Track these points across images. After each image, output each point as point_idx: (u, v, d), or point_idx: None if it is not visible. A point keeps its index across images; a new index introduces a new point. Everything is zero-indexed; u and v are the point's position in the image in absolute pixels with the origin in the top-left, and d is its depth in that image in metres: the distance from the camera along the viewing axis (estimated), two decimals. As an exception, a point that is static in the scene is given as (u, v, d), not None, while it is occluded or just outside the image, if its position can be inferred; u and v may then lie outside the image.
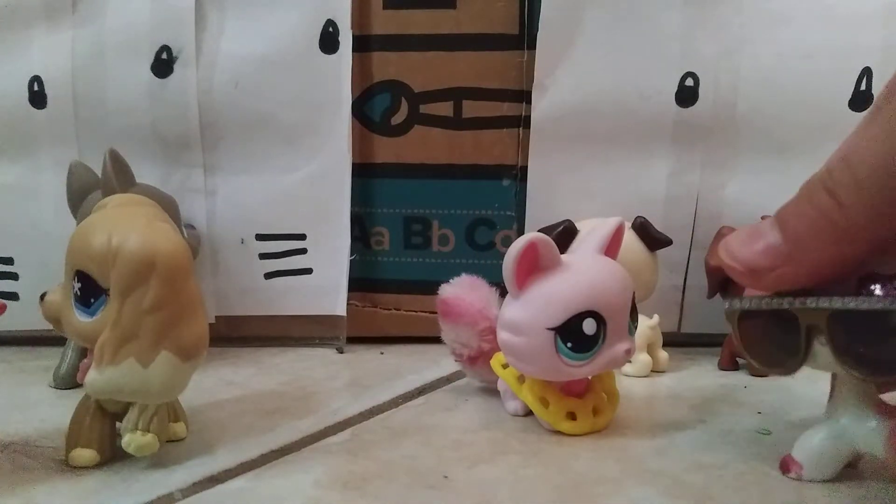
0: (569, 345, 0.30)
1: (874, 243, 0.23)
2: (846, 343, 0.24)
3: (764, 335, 0.27)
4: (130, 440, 0.28)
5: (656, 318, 0.42)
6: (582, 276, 0.31)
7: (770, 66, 0.43)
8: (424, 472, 0.29)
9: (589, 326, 0.30)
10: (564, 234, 0.39)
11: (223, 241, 0.46)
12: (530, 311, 0.31)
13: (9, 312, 0.35)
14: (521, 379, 0.34)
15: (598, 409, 0.33)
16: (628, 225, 0.40)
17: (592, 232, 0.33)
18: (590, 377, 0.34)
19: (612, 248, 0.33)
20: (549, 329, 0.30)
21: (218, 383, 0.40)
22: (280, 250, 0.46)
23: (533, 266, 0.31)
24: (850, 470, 0.29)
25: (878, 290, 0.23)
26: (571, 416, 0.33)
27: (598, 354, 0.31)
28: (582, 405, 0.33)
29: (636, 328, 0.33)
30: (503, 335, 0.32)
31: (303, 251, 0.46)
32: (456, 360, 0.38)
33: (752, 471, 0.29)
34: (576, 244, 0.35)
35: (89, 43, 0.44)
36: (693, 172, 0.44)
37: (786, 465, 0.28)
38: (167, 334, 0.26)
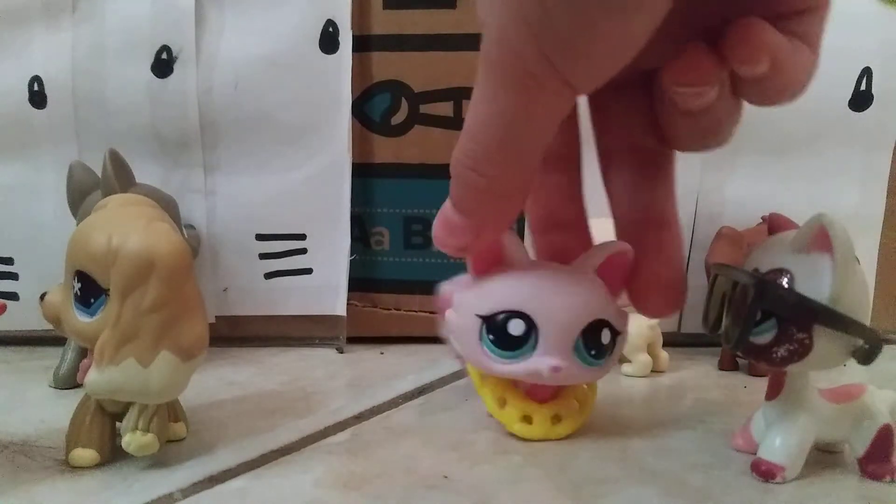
0: (491, 337, 0.30)
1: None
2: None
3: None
4: (130, 440, 0.28)
5: (656, 318, 0.42)
6: (525, 277, 0.30)
7: (770, 66, 0.43)
8: (424, 472, 0.29)
9: (515, 327, 0.30)
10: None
11: (223, 242, 0.46)
12: (470, 293, 0.31)
13: (9, 312, 0.35)
14: (483, 377, 0.33)
15: (562, 417, 0.33)
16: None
17: (601, 248, 0.31)
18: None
19: (614, 274, 0.31)
20: (476, 315, 0.30)
21: (218, 383, 0.40)
22: (280, 250, 0.46)
23: (495, 258, 0.31)
24: (850, 470, 0.29)
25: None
26: (527, 420, 0.32)
27: (522, 359, 0.30)
28: (540, 410, 0.32)
29: (604, 356, 0.31)
30: (449, 310, 0.32)
31: (303, 251, 0.46)
32: (456, 360, 0.38)
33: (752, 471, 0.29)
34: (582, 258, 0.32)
35: (89, 43, 0.44)
36: (693, 172, 0.44)
37: (770, 472, 0.28)
38: (167, 334, 0.26)
